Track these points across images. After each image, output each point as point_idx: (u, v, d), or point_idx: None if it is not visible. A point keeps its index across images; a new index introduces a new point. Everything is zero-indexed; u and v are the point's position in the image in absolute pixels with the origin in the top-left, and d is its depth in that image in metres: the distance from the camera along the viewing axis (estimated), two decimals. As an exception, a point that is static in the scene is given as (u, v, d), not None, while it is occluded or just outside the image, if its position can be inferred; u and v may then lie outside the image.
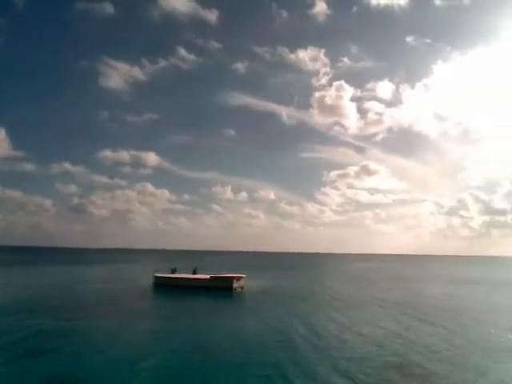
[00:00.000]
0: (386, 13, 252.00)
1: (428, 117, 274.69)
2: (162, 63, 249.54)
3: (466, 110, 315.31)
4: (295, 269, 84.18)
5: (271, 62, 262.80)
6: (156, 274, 41.68)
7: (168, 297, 33.55)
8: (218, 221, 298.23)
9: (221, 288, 35.98)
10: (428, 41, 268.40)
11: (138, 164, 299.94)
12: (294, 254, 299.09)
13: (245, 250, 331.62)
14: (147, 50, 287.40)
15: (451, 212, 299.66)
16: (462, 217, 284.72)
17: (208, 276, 38.92)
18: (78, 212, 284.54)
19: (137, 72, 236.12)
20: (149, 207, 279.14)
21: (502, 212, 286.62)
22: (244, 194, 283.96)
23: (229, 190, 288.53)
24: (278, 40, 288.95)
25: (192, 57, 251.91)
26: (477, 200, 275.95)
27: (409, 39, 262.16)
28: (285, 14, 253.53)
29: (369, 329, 19.87)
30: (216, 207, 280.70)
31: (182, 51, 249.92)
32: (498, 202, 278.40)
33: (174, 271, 42.63)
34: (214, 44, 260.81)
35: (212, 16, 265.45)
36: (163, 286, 38.30)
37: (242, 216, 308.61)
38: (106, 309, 25.41)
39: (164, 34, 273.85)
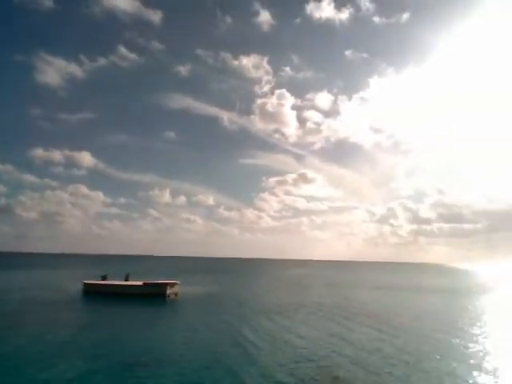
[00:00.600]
0: (327, 26, 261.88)
1: (363, 128, 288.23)
2: (102, 61, 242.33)
3: (398, 124, 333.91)
4: (232, 275, 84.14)
5: (214, 66, 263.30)
6: (85, 281, 39.87)
7: (96, 305, 32.14)
8: (154, 225, 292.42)
9: (154, 295, 35.10)
10: (365, 56, 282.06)
11: (71, 164, 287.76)
12: (232, 259, 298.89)
13: (182, 255, 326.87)
14: (86, 46, 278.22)
15: (382, 220, 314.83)
16: (391, 225, 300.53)
17: (141, 283, 37.82)
18: (5, 213, 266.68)
19: (74, 69, 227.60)
20: (82, 210, 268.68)
21: (428, 221, 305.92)
22: (183, 199, 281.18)
23: (167, 193, 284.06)
24: (222, 45, 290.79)
25: (133, 56, 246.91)
26: (405, 209, 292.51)
27: (347, 53, 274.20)
28: (229, 20, 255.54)
29: (300, 333, 20.20)
30: (153, 211, 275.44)
31: (123, 50, 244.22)
32: (425, 212, 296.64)
33: (104, 278, 40.98)
34: (157, 45, 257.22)
35: (156, 17, 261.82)
36: (93, 294, 36.72)
37: (180, 221, 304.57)
38: (26, 318, 23.80)
39: (105, 31, 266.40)
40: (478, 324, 24.92)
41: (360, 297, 41.67)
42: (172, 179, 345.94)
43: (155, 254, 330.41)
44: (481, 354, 16.85)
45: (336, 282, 66.85)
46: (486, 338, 20.56)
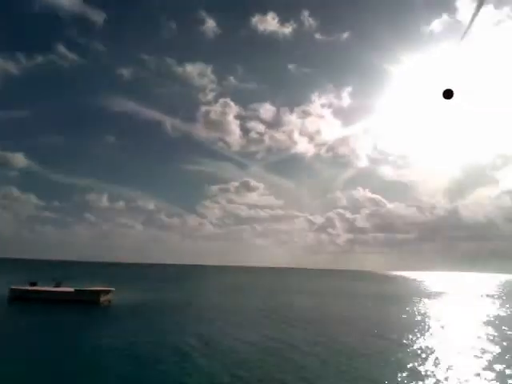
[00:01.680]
0: (271, 39, 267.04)
1: (304, 140, 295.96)
2: (39, 59, 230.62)
3: (337, 137, 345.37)
4: (171, 282, 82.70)
5: (158, 71, 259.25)
6: (12, 287, 37.66)
7: (23, 312, 30.46)
8: (90, 230, 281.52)
9: (86, 302, 33.86)
10: (307, 70, 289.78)
11: (2, 165, 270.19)
12: (171, 266, 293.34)
13: (119, 261, 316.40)
14: (23, 43, 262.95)
15: (320, 229, 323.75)
16: (329, 234, 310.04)
17: (72, 289, 36.34)
18: None
19: (9, 66, 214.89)
20: (13, 213, 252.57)
21: (364, 231, 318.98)
22: (121, 203, 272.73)
23: (105, 198, 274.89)
24: (166, 51, 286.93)
25: (73, 56, 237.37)
26: (343, 219, 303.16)
27: (290, 67, 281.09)
28: (174, 25, 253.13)
29: (238, 337, 20.40)
30: (89, 216, 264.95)
31: (62, 48, 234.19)
32: (361, 222, 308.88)
33: (33, 284, 38.91)
34: (99, 46, 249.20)
35: (99, 17, 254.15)
36: (20, 301, 34.76)
37: (118, 226, 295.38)
38: None
39: (43, 28, 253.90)
40: (406, 328, 26.40)
41: (297, 302, 42.63)
42: (111, 183, 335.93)
43: (91, 260, 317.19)
44: (406, 355, 17.96)
45: (275, 289, 67.80)
46: (410, 341, 21.85)
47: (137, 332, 22.11)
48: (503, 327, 27.99)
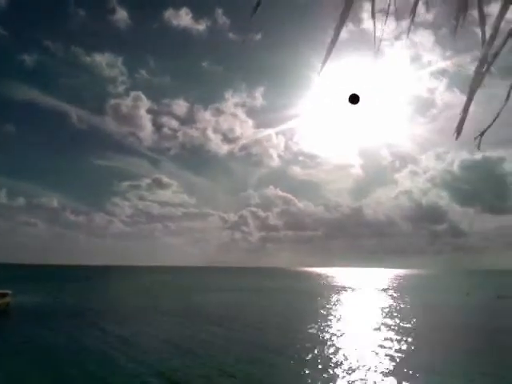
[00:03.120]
0: (185, 35, 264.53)
1: (218, 138, 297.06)
2: None
3: (249, 135, 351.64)
4: (76, 283, 78.36)
5: (65, 60, 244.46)
6: None
7: None
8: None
9: (-22, 307, 30.97)
10: (221, 69, 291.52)
11: None
12: (78, 267, 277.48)
13: (19, 262, 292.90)
14: None
15: (234, 227, 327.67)
16: (242, 232, 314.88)
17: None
18: None
19: None
20: None
21: (276, 228, 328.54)
22: (21, 200, 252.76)
23: (2, 194, 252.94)
24: (74, 39, 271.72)
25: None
26: (255, 217, 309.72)
27: (204, 64, 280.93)
28: (82, 13, 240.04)
29: (145, 337, 20.01)
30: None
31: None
32: (273, 220, 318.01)
33: None
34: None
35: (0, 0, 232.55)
36: None
37: (18, 224, 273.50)
38: None
39: None
40: (313, 319, 27.70)
41: (211, 301, 42.73)
42: (9, 178, 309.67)
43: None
44: (313, 343, 18.90)
45: (188, 288, 67.25)
46: (318, 331, 23.00)
47: (33, 335, 20.73)
48: (396, 316, 30.50)
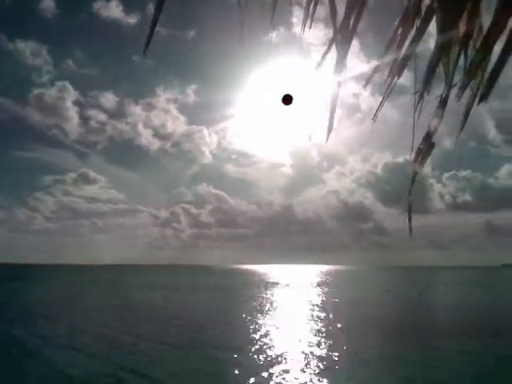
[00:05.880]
0: (114, 27, 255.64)
1: (149, 133, 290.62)
2: None
3: (181, 132, 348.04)
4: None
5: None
6: None
7: None
8: None
9: None
10: (153, 64, 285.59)
11: None
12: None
13: None
14: None
15: (165, 224, 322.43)
16: (174, 228, 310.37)
17: None
18: None
19: None
20: None
21: (208, 226, 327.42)
22: None
23: None
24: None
25: None
26: (187, 214, 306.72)
27: (135, 58, 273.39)
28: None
29: (67, 338, 19.19)
30: None
31: None
32: (205, 217, 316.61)
33: None
34: None
35: None
36: None
37: None
38: None
39: None
40: (244, 316, 28.03)
41: (141, 300, 41.76)
42: None
43: None
44: (240, 341, 19.13)
45: (116, 286, 65.33)
46: (246, 328, 23.30)
47: None
48: (324, 310, 31.74)
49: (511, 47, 1.91)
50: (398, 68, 2.09)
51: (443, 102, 1.91)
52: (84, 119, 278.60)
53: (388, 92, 2.13)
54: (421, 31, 1.98)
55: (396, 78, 2.10)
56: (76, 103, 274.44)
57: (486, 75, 1.90)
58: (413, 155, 2.00)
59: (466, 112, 1.95)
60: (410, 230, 2.09)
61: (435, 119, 1.92)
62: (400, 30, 2.14)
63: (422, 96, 1.95)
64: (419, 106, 1.97)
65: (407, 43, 2.05)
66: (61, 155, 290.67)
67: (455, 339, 20.54)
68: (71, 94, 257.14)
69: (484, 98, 1.90)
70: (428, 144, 1.94)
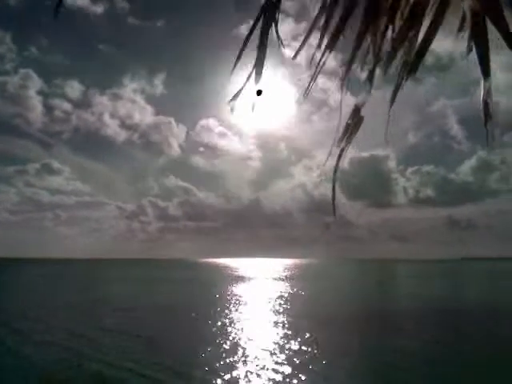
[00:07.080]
0: (81, 15, 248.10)
1: (115, 123, 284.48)
2: None
3: (149, 123, 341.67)
4: None
5: None
6: None
7: None
8: None
9: None
10: (119, 53, 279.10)
11: None
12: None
13: None
14: None
15: (132, 216, 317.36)
16: (141, 222, 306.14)
17: None
18: None
19: None
20: None
21: (175, 219, 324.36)
22: None
23: None
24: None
25: None
26: (154, 207, 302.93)
27: (101, 47, 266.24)
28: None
29: (34, 335, 18.59)
30: None
31: None
32: (173, 210, 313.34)
33: None
34: None
35: None
36: None
37: None
38: None
39: None
40: (210, 309, 27.95)
41: (108, 294, 41.06)
42: None
43: None
44: (210, 332, 19.05)
45: (82, 280, 64.02)
46: (214, 320, 23.22)
47: None
48: (290, 302, 32.07)
49: (440, 20, 1.87)
50: (329, 42, 2.02)
51: (370, 75, 1.85)
52: (48, 108, 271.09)
53: (320, 67, 2.06)
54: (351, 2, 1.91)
55: (328, 52, 2.03)
56: (40, 93, 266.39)
57: (416, 48, 1.86)
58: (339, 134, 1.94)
59: (395, 86, 1.90)
60: (334, 211, 2.05)
61: (363, 93, 1.86)
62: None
63: (349, 68, 1.89)
64: (346, 80, 1.91)
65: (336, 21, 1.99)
66: (23, 145, 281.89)
67: (412, 327, 21.34)
68: (35, 82, 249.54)
69: (412, 72, 1.86)
70: (356, 118, 1.89)
